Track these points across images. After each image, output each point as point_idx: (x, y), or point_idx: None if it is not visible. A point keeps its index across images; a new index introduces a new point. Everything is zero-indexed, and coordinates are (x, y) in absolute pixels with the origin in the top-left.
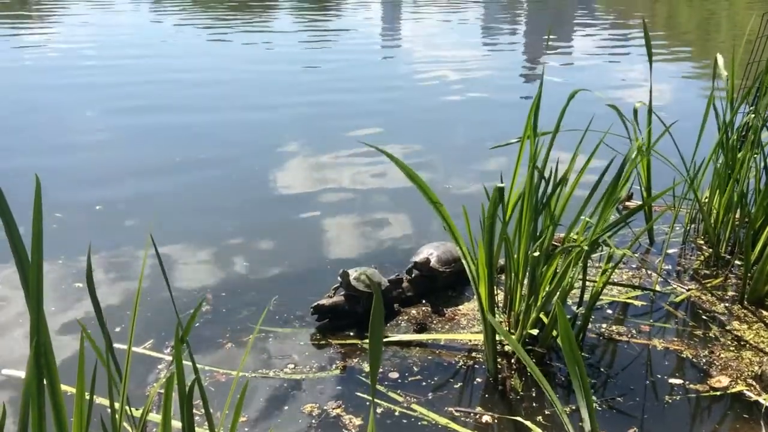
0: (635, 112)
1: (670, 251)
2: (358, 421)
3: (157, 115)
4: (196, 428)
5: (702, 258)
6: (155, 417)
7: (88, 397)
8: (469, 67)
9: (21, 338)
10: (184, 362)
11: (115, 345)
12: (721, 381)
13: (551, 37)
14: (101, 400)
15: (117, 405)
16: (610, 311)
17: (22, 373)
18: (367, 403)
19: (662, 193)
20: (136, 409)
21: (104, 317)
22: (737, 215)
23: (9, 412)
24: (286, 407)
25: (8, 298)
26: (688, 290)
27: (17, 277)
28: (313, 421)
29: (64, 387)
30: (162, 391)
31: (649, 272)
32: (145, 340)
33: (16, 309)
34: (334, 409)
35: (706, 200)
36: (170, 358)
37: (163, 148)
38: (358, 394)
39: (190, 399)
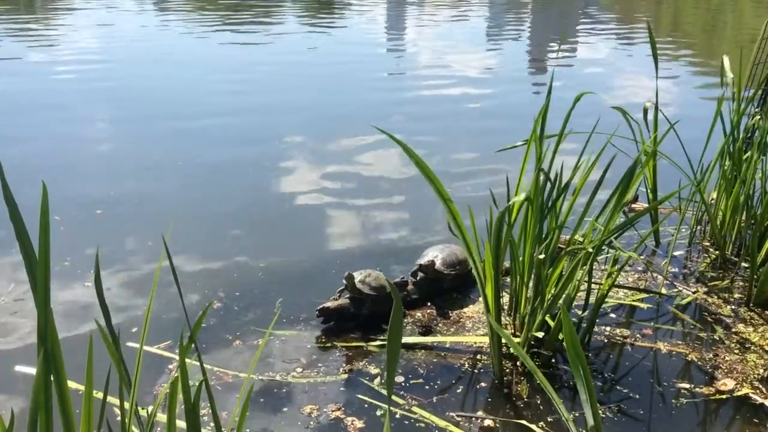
0: (645, 111)
1: (676, 253)
2: (360, 424)
3: (157, 117)
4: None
5: (708, 260)
6: (164, 417)
7: (100, 397)
8: (473, 67)
9: (32, 336)
10: (192, 362)
11: (130, 344)
12: (726, 384)
13: (555, 37)
14: (110, 399)
15: (126, 405)
16: (614, 315)
17: (33, 370)
18: (366, 406)
19: (669, 196)
20: (142, 408)
21: (119, 318)
22: (743, 217)
23: (18, 409)
24: (289, 409)
25: (19, 299)
26: (694, 293)
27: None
28: (315, 423)
29: (75, 385)
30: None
31: (655, 275)
32: (161, 340)
33: (26, 309)
34: (334, 411)
35: (713, 202)
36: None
37: (164, 150)
38: (362, 397)
39: (197, 402)
